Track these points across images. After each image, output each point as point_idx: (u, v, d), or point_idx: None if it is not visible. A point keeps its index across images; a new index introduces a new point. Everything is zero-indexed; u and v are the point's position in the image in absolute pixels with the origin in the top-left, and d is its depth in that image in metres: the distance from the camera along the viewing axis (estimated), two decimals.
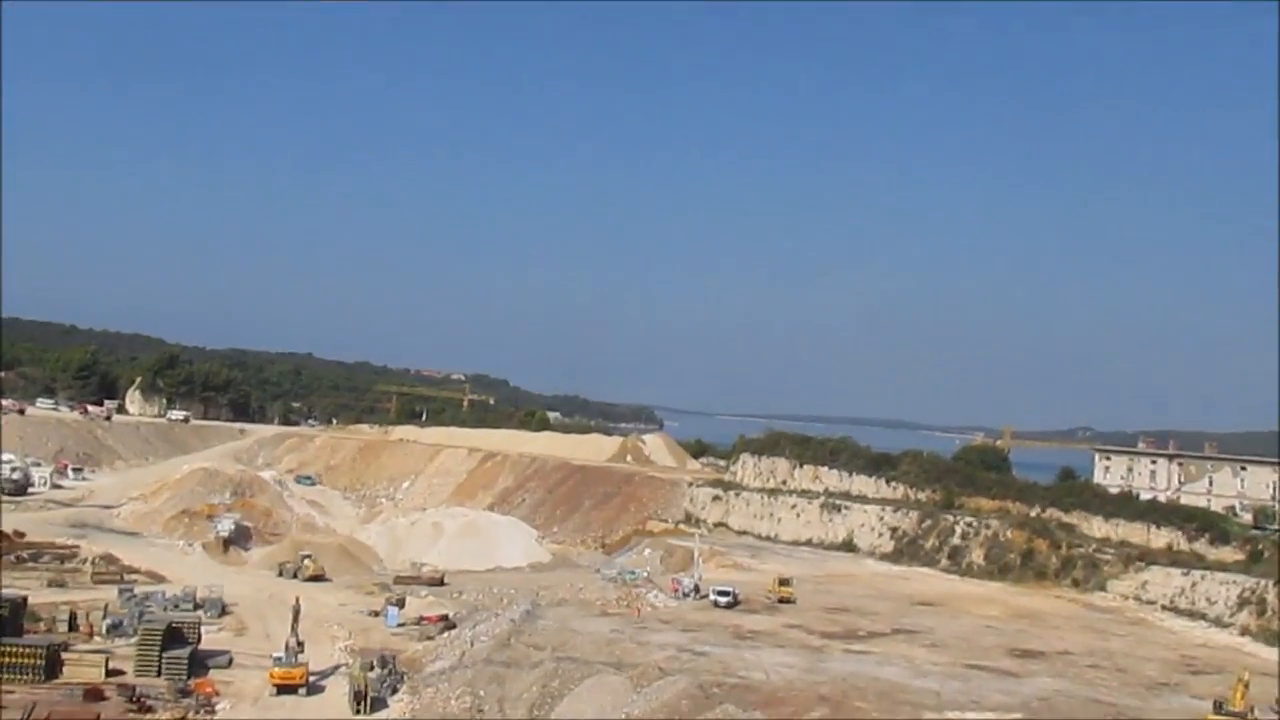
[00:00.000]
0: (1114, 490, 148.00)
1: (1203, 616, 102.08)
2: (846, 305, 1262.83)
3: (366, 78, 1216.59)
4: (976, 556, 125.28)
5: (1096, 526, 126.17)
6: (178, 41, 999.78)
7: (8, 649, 68.04)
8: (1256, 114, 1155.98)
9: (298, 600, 79.16)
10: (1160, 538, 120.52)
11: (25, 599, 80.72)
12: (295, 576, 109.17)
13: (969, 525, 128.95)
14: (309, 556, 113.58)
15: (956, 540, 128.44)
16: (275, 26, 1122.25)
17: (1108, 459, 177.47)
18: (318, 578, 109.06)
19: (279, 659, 71.38)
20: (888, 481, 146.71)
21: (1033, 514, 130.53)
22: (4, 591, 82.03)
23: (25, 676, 67.04)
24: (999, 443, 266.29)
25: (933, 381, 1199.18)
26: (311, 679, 71.44)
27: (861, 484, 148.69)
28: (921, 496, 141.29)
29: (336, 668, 76.07)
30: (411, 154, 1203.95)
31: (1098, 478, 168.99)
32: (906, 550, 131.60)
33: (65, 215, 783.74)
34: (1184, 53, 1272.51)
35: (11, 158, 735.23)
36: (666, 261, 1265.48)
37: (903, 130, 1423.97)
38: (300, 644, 72.90)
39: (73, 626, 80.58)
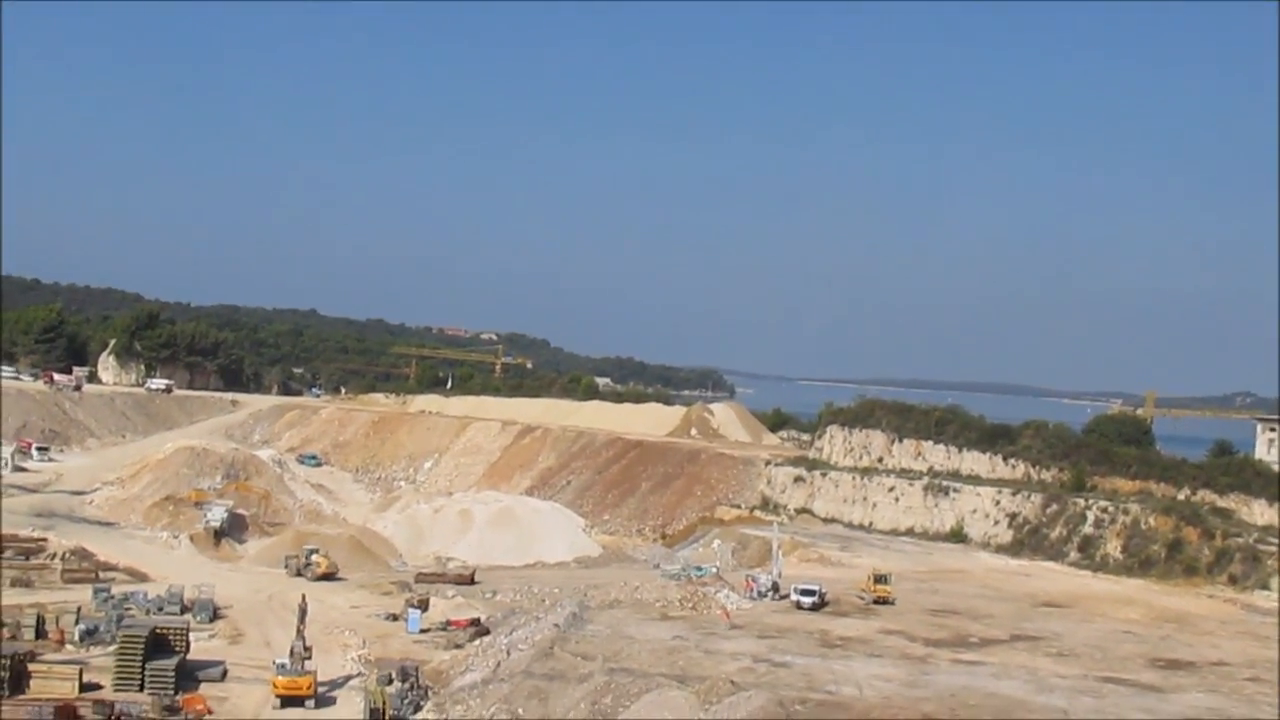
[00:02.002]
0: None
1: None
2: (949, 251, 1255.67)
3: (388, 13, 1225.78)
4: (1112, 548, 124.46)
5: (1259, 512, 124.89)
6: None
7: None
8: None
9: (304, 599, 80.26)
10: None
11: None
12: (300, 574, 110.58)
13: (1104, 511, 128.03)
14: (317, 551, 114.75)
15: (1088, 528, 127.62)
16: None
17: (1273, 430, 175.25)
18: (329, 576, 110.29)
19: (283, 666, 72.44)
20: (1005, 458, 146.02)
21: (1181, 497, 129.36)
22: None
23: None
24: (1140, 411, 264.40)
25: (1058, 339, 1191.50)
26: (321, 689, 72.50)
27: (973, 461, 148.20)
28: (1046, 476, 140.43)
29: (349, 678, 77.14)
30: (431, 84, 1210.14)
31: (1260, 453, 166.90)
32: (1028, 541, 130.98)
33: (21, 151, 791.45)
34: None
35: None
36: (734, 201, 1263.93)
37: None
38: (308, 648, 73.87)
39: (41, 633, 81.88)
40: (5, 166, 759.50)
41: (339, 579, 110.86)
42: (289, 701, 70.81)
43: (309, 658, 73.57)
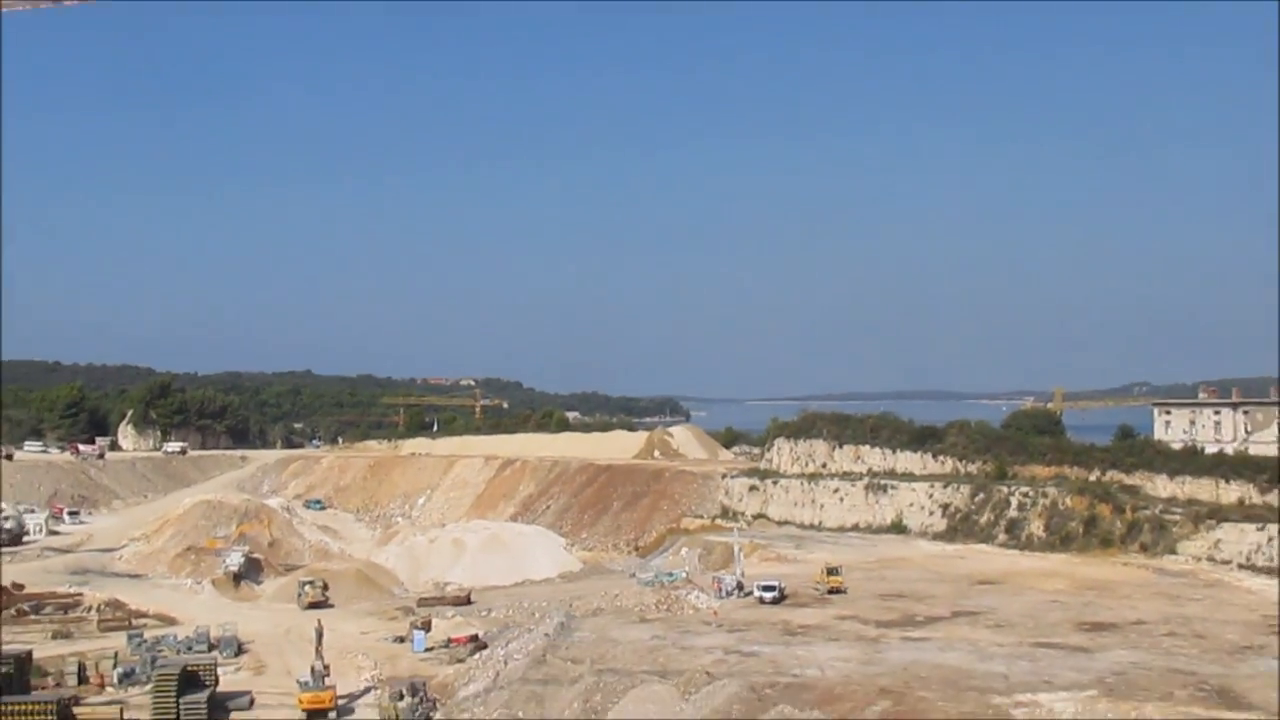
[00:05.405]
0: (1177, 446, 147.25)
1: None
2: (874, 275, 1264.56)
3: (357, 77, 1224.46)
4: (1036, 528, 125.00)
5: (1161, 486, 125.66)
6: (155, 48, 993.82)
7: (15, 707, 68.25)
8: None
9: (319, 623, 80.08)
10: (1230, 492, 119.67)
11: (30, 653, 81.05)
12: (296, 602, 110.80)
13: (1025, 495, 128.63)
14: (311, 583, 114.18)
15: (1013, 512, 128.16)
16: (263, 31, 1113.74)
17: (1168, 413, 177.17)
18: (317, 604, 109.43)
19: (306, 683, 72.16)
20: (934, 456, 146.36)
21: (1092, 478, 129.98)
22: (6, 647, 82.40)
23: None
24: (1050, 406, 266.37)
25: (974, 348, 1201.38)
26: (341, 702, 72.15)
27: (907, 460, 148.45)
28: (972, 469, 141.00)
29: (366, 691, 76.78)
30: (400, 154, 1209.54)
31: (1158, 434, 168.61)
32: (960, 527, 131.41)
33: (37, 245, 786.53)
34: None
35: None
36: (678, 246, 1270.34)
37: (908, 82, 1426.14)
38: (326, 666, 73.61)
39: (82, 679, 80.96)
40: (25, 259, 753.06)
41: (329, 606, 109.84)
42: (314, 715, 70.45)
43: (328, 675, 73.30)
